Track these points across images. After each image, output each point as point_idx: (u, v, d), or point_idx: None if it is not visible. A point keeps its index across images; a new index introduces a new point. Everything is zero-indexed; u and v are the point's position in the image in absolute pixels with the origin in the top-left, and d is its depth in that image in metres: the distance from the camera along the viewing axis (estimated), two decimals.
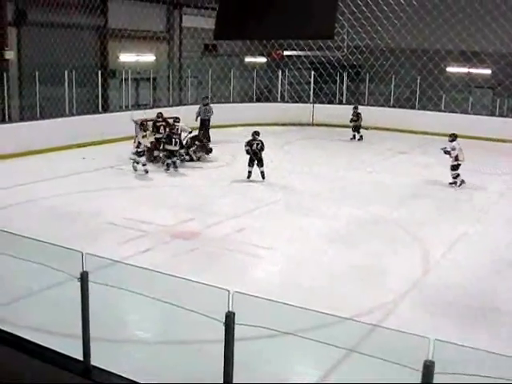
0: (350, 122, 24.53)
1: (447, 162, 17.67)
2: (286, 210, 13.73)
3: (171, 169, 17.63)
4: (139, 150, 17.07)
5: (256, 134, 16.88)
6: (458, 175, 16.47)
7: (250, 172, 16.78)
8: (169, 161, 17.71)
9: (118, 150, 19.31)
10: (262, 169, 16.73)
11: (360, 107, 27.43)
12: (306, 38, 3.46)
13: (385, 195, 15.13)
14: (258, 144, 16.72)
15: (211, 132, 21.91)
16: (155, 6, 25.52)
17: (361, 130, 24.62)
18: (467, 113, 25.84)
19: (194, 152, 19.08)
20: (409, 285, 9.58)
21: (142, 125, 17.82)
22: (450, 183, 16.61)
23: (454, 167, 16.54)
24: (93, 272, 5.36)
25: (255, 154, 16.65)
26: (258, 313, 5.32)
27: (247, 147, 16.73)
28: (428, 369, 4.17)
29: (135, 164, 17.17)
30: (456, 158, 16.49)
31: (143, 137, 17.32)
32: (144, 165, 17.00)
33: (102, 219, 12.42)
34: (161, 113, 19.10)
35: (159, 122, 18.62)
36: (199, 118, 22.29)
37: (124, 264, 7.42)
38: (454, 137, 16.77)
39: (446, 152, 16.66)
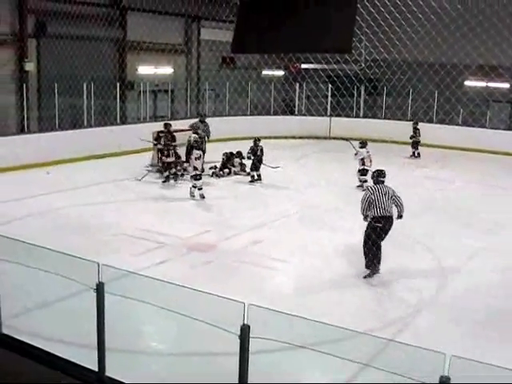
0: (410, 138, 23.90)
1: (466, 177, 17.61)
2: (301, 223, 13.70)
3: (171, 181, 17.49)
4: (197, 172, 15.88)
5: (258, 140, 18.23)
6: (366, 181, 16.92)
7: (253, 176, 18.08)
8: (166, 173, 17.60)
9: (135, 162, 19.40)
10: (259, 172, 18.12)
11: (377, 121, 27.43)
12: (324, 52, 3.48)
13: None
14: (261, 150, 18.06)
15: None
16: (174, 18, 25.73)
17: (419, 147, 23.90)
18: (485, 127, 25.70)
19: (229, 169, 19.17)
20: (425, 298, 9.54)
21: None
22: (358, 186, 17.29)
23: (362, 172, 17.41)
24: (108, 283, 5.38)
25: (260, 159, 18.05)
26: (272, 325, 5.30)
27: (250, 154, 18.01)
28: None
29: (193, 189, 15.92)
30: (363, 163, 17.43)
31: (196, 159, 16.01)
32: (200, 189, 15.93)
33: (117, 230, 12.46)
34: (168, 123, 18.63)
35: (163, 132, 18.25)
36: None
37: (139, 275, 7.44)
38: (363, 144, 17.71)
39: (356, 154, 17.68)
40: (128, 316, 7.82)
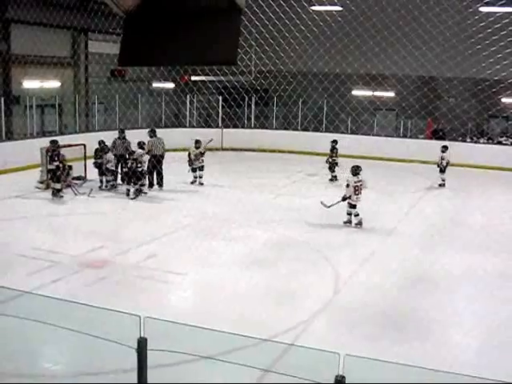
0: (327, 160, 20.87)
1: None
2: (197, 235, 13.66)
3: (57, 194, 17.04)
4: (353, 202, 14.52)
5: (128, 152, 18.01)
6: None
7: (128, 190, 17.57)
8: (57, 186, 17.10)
9: (22, 179, 18.76)
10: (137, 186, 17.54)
11: (265, 131, 27.76)
12: (209, 65, 3.55)
13: (295, 218, 15.31)
14: (132, 162, 17.44)
15: None
16: (60, 31, 25.07)
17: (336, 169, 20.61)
18: (371, 134, 26.63)
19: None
20: (321, 304, 9.76)
21: None
22: None
23: None
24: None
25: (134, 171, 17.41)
26: (174, 338, 5.30)
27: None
28: (339, 383, 4.31)
29: (348, 216, 14.75)
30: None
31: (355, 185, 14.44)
32: (357, 215, 14.47)
33: (9, 250, 11.99)
34: (55, 140, 17.83)
35: (55, 150, 17.40)
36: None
37: (33, 294, 7.24)
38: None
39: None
40: (21, 337, 7.57)
